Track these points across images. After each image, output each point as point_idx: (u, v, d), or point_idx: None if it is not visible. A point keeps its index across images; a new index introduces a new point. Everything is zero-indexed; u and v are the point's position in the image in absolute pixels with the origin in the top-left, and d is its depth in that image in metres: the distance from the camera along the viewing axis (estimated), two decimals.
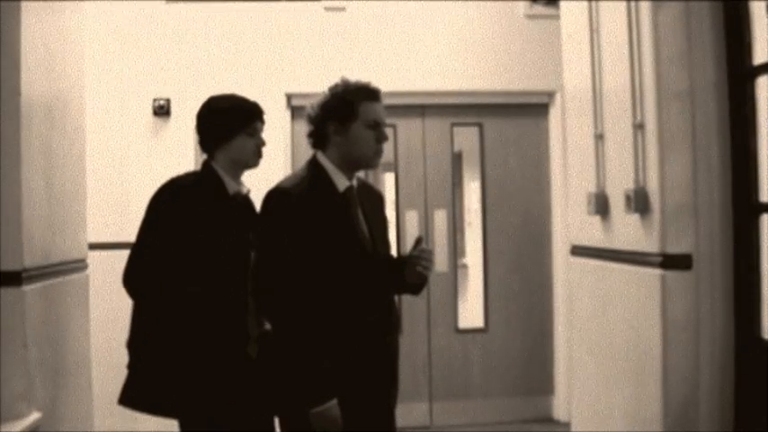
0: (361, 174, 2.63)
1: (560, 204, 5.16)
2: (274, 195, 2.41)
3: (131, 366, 2.61)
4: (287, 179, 2.50)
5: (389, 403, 2.52)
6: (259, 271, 2.41)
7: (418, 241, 2.48)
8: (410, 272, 2.47)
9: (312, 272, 2.34)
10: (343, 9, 5.09)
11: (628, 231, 3.25)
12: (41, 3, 2.87)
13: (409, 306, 5.05)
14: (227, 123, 2.68)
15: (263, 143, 2.73)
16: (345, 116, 2.43)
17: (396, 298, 2.63)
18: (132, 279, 2.58)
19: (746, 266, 2.89)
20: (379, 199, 2.67)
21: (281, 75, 5.00)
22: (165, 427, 4.80)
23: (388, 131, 5.22)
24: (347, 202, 2.47)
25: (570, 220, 4.10)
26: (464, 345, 5.28)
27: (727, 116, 2.95)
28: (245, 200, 2.76)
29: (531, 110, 5.36)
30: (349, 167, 2.48)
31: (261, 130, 2.74)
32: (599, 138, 3.55)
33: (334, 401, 2.32)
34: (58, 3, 3.10)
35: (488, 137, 5.36)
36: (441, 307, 5.24)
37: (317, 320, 2.33)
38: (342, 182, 2.47)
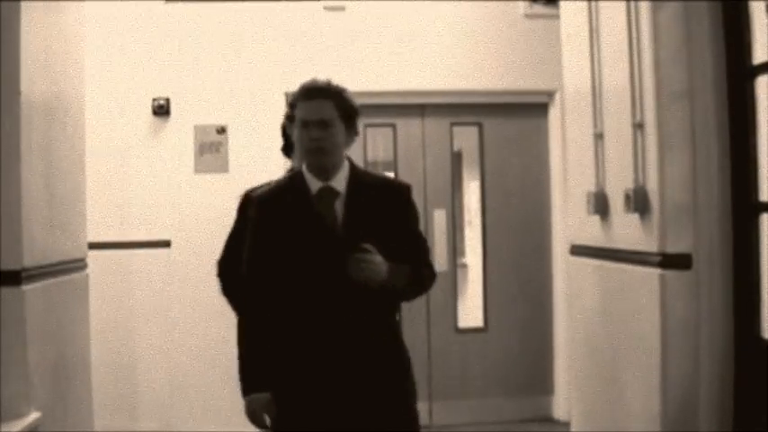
0: (385, 172, 2.67)
1: (560, 204, 5.16)
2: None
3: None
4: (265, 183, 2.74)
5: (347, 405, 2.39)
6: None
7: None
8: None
9: (263, 266, 2.45)
10: (343, 9, 5.09)
11: (627, 231, 3.25)
12: (41, 3, 2.87)
13: (409, 306, 5.02)
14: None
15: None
16: (291, 118, 2.54)
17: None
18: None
19: (746, 266, 2.89)
20: (385, 198, 2.51)
21: (281, 74, 4.99)
22: (165, 426, 4.82)
23: (388, 131, 5.29)
24: (317, 202, 2.46)
25: (570, 220, 4.10)
26: (464, 344, 5.28)
27: (727, 116, 2.94)
28: None
29: (530, 110, 5.36)
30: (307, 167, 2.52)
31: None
32: (599, 137, 3.55)
33: (263, 394, 2.39)
34: (58, 3, 3.10)
35: (488, 137, 5.35)
36: (440, 306, 5.24)
37: (265, 312, 2.44)
38: (314, 183, 2.47)
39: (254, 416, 2.42)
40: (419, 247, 2.55)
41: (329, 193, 2.47)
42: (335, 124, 2.44)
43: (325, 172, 2.47)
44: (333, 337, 2.39)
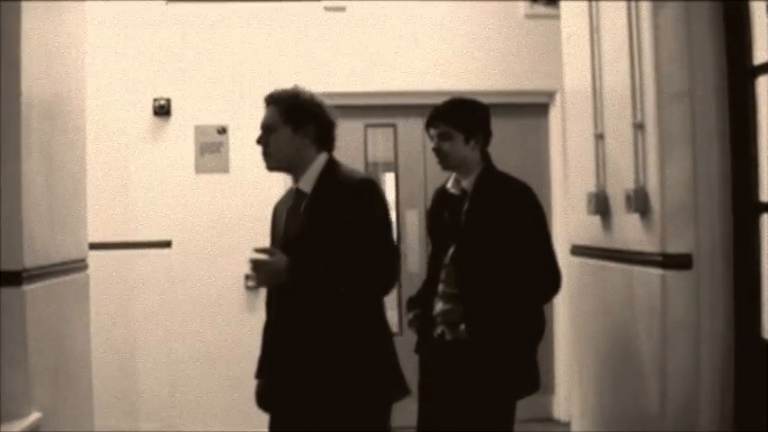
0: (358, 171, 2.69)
1: (560, 204, 5.15)
2: None
3: None
4: None
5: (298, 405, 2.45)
6: None
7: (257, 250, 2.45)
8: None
9: None
10: (343, 9, 5.09)
11: (628, 231, 3.25)
12: (41, 3, 2.87)
13: None
14: None
15: (436, 149, 3.21)
16: None
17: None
18: None
19: (746, 266, 2.89)
20: (342, 198, 2.43)
21: (282, 74, 4.98)
22: (165, 427, 4.82)
23: (388, 131, 5.29)
24: (293, 205, 2.55)
25: (570, 220, 4.10)
26: None
27: (727, 116, 2.94)
28: (457, 196, 3.27)
29: (531, 110, 5.35)
30: None
31: (433, 136, 3.21)
32: (599, 138, 3.55)
33: (261, 380, 2.62)
34: (58, 3, 3.10)
35: None
36: None
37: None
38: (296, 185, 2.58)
39: (256, 398, 2.62)
40: (365, 243, 2.38)
41: (299, 195, 2.52)
42: (277, 128, 2.51)
43: (291, 174, 2.57)
44: (277, 337, 2.52)
